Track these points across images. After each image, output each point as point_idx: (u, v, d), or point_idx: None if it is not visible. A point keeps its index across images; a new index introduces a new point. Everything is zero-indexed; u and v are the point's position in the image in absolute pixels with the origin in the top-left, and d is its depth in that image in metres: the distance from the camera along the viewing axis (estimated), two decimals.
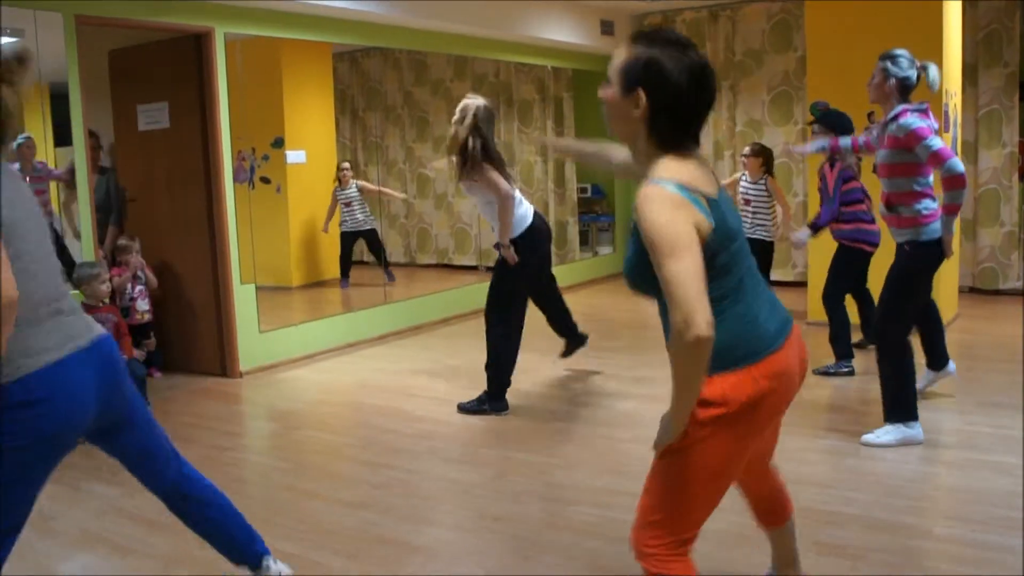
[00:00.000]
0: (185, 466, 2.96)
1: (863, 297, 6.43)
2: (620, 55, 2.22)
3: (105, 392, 2.58)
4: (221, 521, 2.99)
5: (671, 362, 2.11)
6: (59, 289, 2.56)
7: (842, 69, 7.15)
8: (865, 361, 6.36)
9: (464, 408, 5.52)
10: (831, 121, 5.97)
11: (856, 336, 6.55)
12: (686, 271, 2.01)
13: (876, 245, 6.02)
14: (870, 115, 6.98)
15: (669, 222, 2.04)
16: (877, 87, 4.61)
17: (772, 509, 2.81)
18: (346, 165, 9.75)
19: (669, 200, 2.07)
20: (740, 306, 2.24)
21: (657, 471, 2.32)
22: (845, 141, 5.45)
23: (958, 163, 4.38)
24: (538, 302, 6.09)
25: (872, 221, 6.00)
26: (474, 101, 5.46)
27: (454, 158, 5.51)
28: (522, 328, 5.60)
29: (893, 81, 4.54)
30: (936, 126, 4.55)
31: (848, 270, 6.09)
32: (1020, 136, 8.68)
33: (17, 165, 5.93)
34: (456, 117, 5.49)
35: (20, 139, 5.90)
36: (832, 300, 6.06)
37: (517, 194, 5.48)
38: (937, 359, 5.29)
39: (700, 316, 1.98)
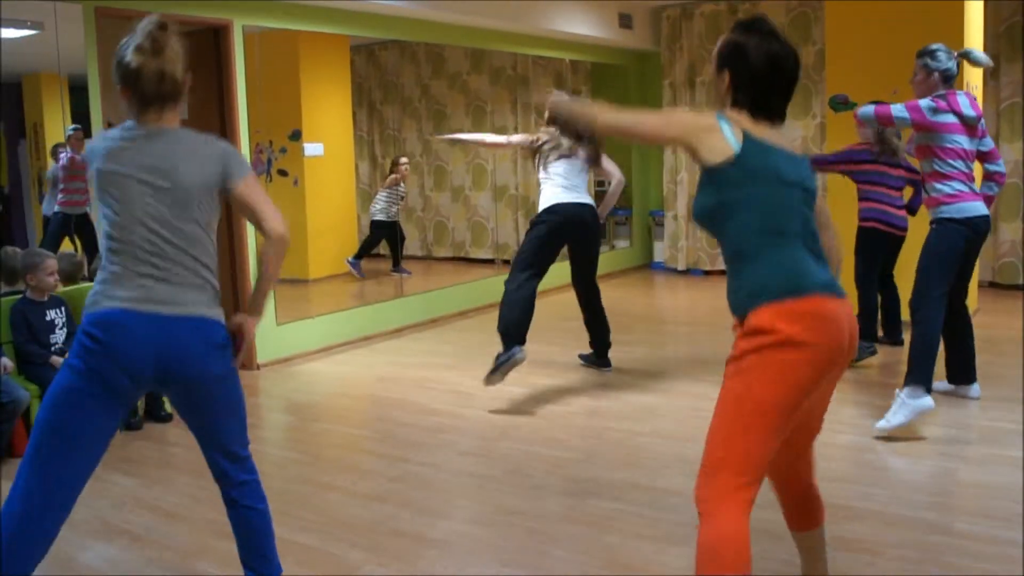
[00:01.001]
0: (236, 467, 2.90)
1: (888, 290, 6.39)
2: (721, 39, 2.57)
3: (164, 363, 2.59)
4: (253, 527, 2.96)
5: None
6: (170, 257, 2.62)
7: (861, 64, 7.11)
8: (884, 356, 6.34)
9: (490, 375, 5.46)
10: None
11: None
12: (647, 115, 2.57)
13: (899, 228, 6.08)
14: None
15: (682, 112, 2.40)
16: (921, 83, 4.81)
17: (806, 511, 2.79)
18: (404, 160, 9.88)
19: (704, 114, 2.47)
20: (789, 250, 2.41)
21: (716, 414, 2.41)
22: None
23: (869, 109, 4.81)
24: (581, 304, 6.19)
25: (895, 206, 6.06)
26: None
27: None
28: (536, 285, 5.67)
29: (936, 75, 4.75)
30: (971, 112, 4.71)
31: (874, 252, 6.12)
32: None
33: (69, 152, 6.00)
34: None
35: (70, 130, 5.96)
36: (861, 280, 6.13)
37: (559, 180, 5.83)
38: (959, 373, 5.24)
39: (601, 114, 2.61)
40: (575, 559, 3.47)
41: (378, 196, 9.94)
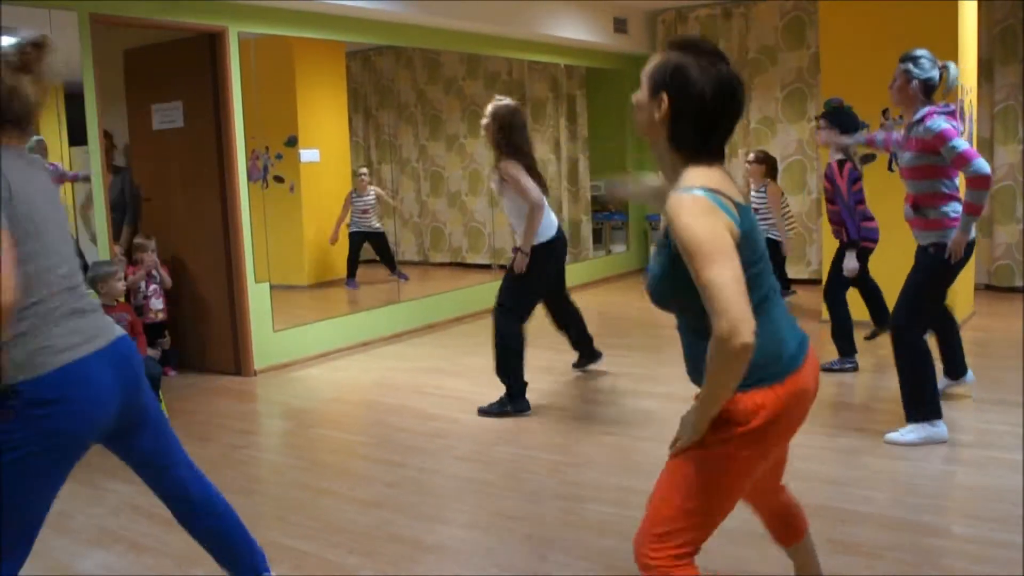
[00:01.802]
0: (194, 474, 2.87)
1: (867, 287, 6.37)
2: (653, 60, 2.23)
3: (124, 393, 2.54)
4: (224, 533, 2.91)
5: (708, 368, 2.08)
6: (79, 288, 2.53)
7: (856, 67, 7.12)
8: (870, 358, 6.35)
9: (485, 411, 5.49)
10: (839, 119, 5.94)
11: (863, 329, 6.54)
12: (728, 277, 1.99)
13: (876, 242, 6.03)
14: (884, 112, 6.97)
15: (707, 228, 2.02)
16: (900, 90, 4.56)
17: (787, 525, 2.77)
18: (364, 171, 9.78)
19: (702, 206, 2.07)
20: (766, 324, 2.19)
21: (667, 485, 2.29)
22: (879, 135, 5.40)
23: (984, 164, 4.29)
24: (556, 319, 6.14)
25: (872, 219, 6.00)
26: (498, 102, 5.46)
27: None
28: (524, 328, 5.55)
29: (916, 83, 4.50)
30: (961, 128, 4.53)
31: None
32: None
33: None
34: (483, 121, 5.49)
35: (32, 141, 5.93)
36: (833, 297, 6.04)
37: (545, 205, 5.48)
38: (955, 367, 5.25)
39: (746, 323, 1.96)
40: (573, 564, 3.46)
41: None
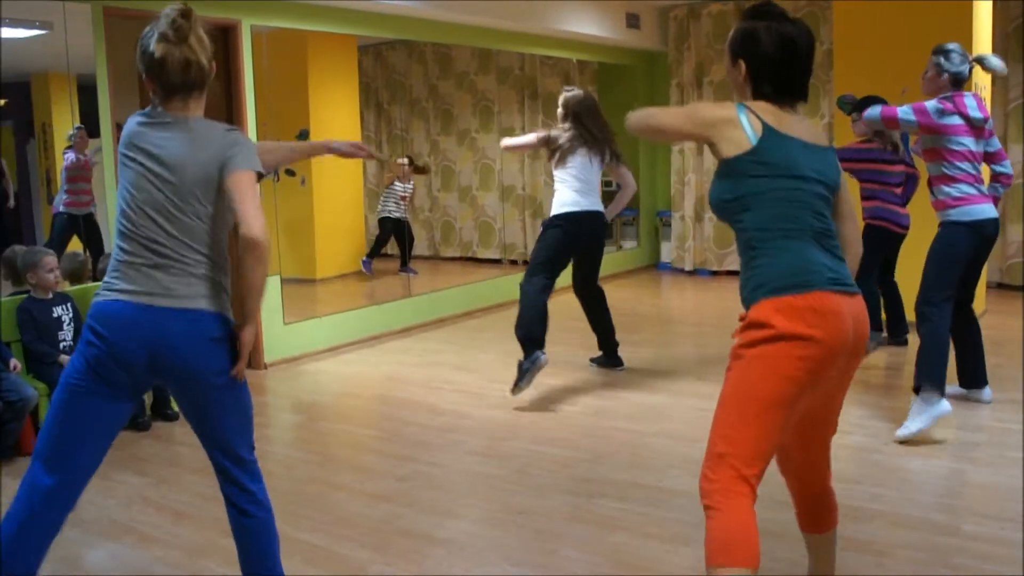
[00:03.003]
0: (237, 470, 2.80)
1: (889, 290, 6.42)
2: (732, 30, 2.57)
3: (156, 355, 2.57)
4: (254, 534, 2.84)
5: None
6: (171, 247, 2.59)
7: (869, 63, 7.09)
8: (889, 356, 6.33)
9: (516, 386, 5.44)
10: (866, 105, 5.94)
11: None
12: (672, 113, 2.73)
13: (904, 228, 6.13)
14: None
15: (702, 104, 2.43)
16: (930, 81, 4.77)
17: (820, 513, 2.78)
18: (404, 160, 9.95)
19: (724, 106, 2.47)
20: (791, 247, 2.42)
21: (720, 405, 2.43)
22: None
23: (876, 111, 4.79)
24: (585, 309, 6.20)
25: (902, 205, 6.11)
26: (565, 92, 5.94)
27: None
28: (551, 291, 5.71)
29: (946, 76, 4.70)
30: (978, 114, 4.66)
31: (873, 248, 6.02)
32: None
33: (74, 154, 6.02)
34: (559, 111, 5.94)
35: (74, 129, 5.97)
36: (862, 273, 6.03)
37: (574, 183, 5.80)
38: (973, 377, 5.19)
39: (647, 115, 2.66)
40: (583, 559, 3.46)
41: (381, 196, 10.02)
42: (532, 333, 5.50)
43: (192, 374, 2.62)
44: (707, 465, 2.39)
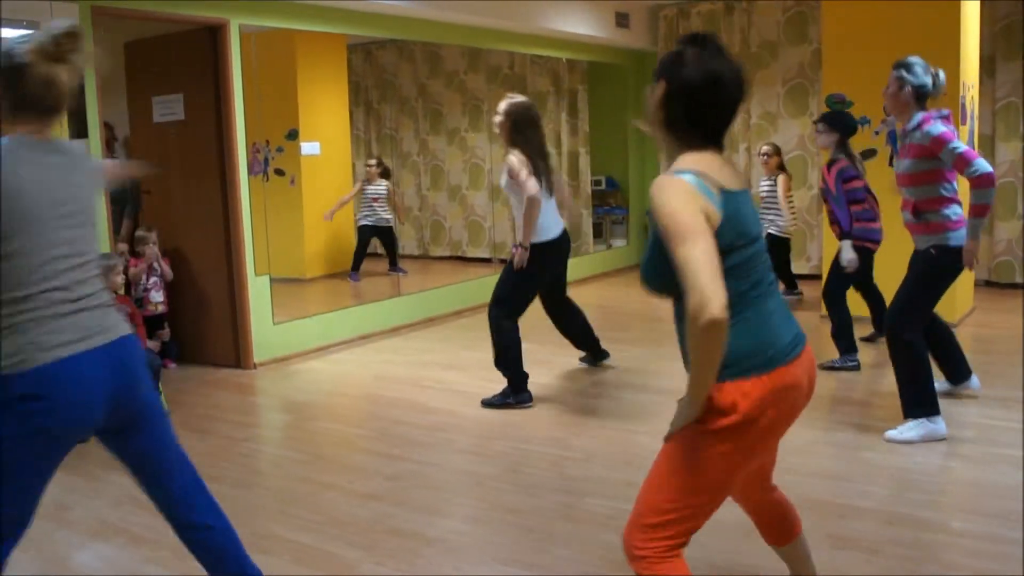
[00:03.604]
0: (188, 483, 2.73)
1: (870, 292, 6.44)
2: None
3: (116, 394, 2.48)
4: (215, 548, 2.77)
5: (688, 347, 2.12)
6: (88, 282, 2.49)
7: (858, 63, 7.12)
8: (871, 354, 6.35)
9: (489, 403, 5.49)
10: (834, 120, 6.03)
11: (865, 330, 6.58)
12: (699, 254, 2.05)
13: (879, 243, 6.03)
14: (886, 107, 6.95)
15: (681, 208, 2.09)
16: (893, 96, 4.60)
17: (778, 525, 2.76)
18: (373, 162, 9.84)
19: (681, 188, 2.14)
20: (755, 313, 2.26)
21: (658, 475, 2.32)
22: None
23: (985, 163, 4.32)
24: (556, 323, 6.10)
25: (874, 219, 6.00)
26: (511, 99, 5.50)
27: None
28: (516, 322, 5.54)
29: (909, 89, 4.53)
30: (956, 132, 4.54)
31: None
32: None
33: None
34: (496, 119, 5.51)
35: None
36: (833, 297, 6.03)
37: (552, 205, 5.49)
38: (958, 372, 5.20)
39: (714, 298, 1.99)
40: (574, 558, 3.46)
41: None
42: (520, 370, 5.49)
43: (143, 404, 2.56)
44: (635, 534, 2.31)
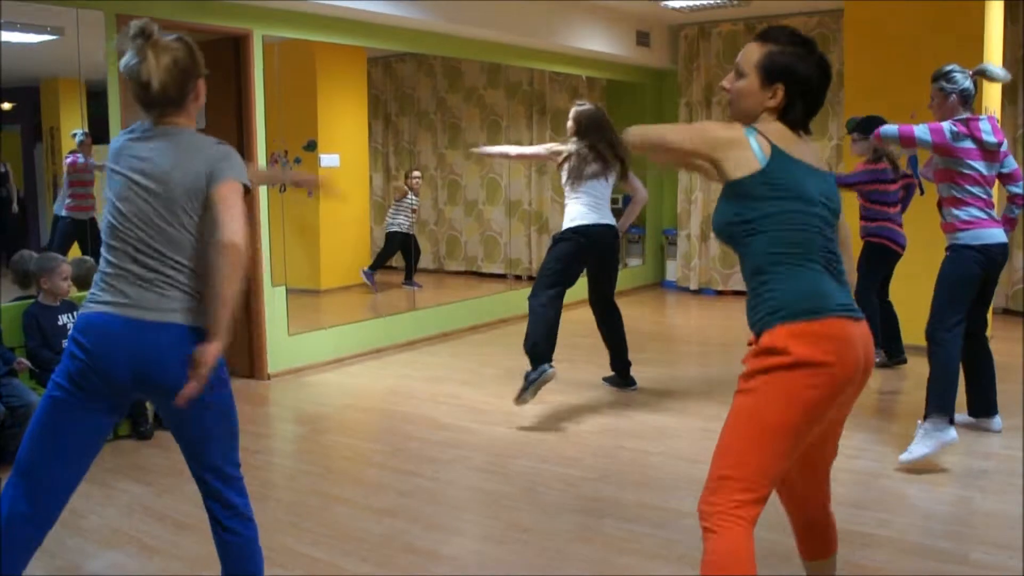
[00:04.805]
0: (222, 483, 2.76)
1: (885, 312, 6.44)
2: (755, 51, 2.48)
3: (140, 369, 2.53)
4: (234, 555, 2.79)
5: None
6: (163, 265, 2.55)
7: (879, 85, 7.09)
8: (890, 379, 6.30)
9: (521, 398, 5.43)
10: (869, 126, 5.97)
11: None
12: (676, 128, 2.55)
13: (903, 247, 6.18)
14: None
15: (710, 123, 2.41)
16: (938, 107, 4.74)
17: (820, 539, 2.75)
18: (417, 174, 10.02)
19: (733, 126, 2.46)
20: (809, 270, 2.39)
21: (727, 428, 2.40)
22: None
23: (893, 128, 4.73)
24: (599, 323, 6.17)
25: (901, 225, 6.18)
26: (575, 106, 5.90)
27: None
28: (561, 303, 5.67)
29: (954, 97, 4.66)
30: (992, 139, 4.63)
31: (872, 265, 6.17)
32: None
33: (81, 156, 6.01)
34: (569, 124, 5.90)
35: (80, 134, 5.96)
36: (863, 296, 6.05)
37: (586, 198, 5.78)
38: (983, 405, 5.13)
39: (632, 132, 2.55)
40: None
41: (390, 209, 10.01)
42: (539, 346, 5.47)
43: (177, 390, 2.52)
44: (708, 488, 2.37)
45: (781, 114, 2.47)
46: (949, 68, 4.69)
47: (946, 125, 4.62)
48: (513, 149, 6.76)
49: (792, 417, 2.32)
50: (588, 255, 5.81)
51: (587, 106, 5.89)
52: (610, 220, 5.84)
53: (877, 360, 6.48)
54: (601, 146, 5.77)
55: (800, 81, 2.43)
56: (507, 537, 3.84)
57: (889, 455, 4.74)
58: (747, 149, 2.38)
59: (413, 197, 9.92)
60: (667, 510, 4.08)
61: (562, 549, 3.70)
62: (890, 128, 4.79)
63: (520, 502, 4.24)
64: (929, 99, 4.81)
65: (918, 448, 4.54)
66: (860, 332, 2.40)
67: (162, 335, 2.54)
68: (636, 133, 2.57)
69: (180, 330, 2.56)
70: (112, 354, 2.52)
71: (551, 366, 5.44)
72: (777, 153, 2.39)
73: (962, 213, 4.66)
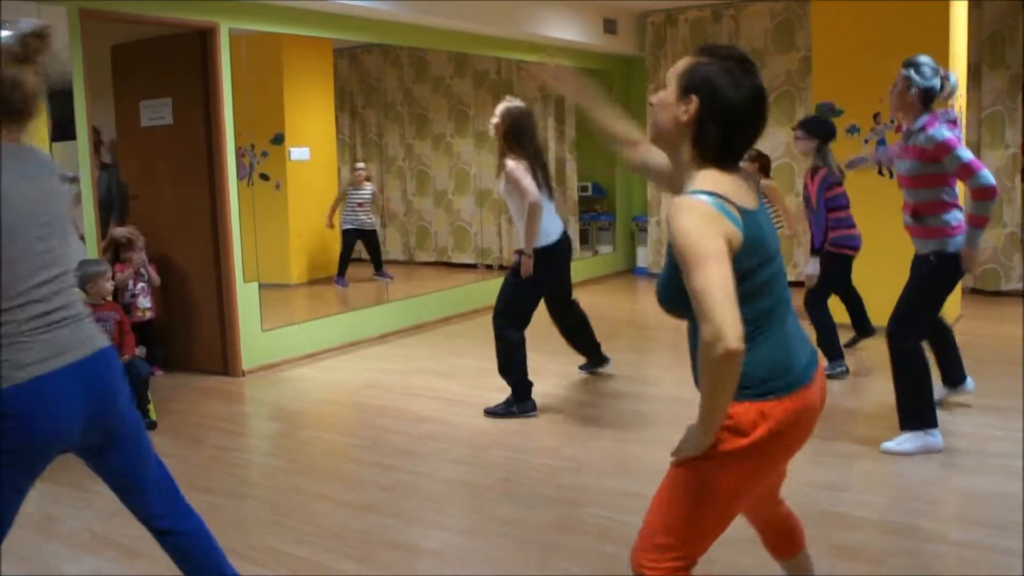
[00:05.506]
0: (165, 494, 2.70)
1: (851, 298, 6.46)
2: (684, 62, 2.22)
3: (92, 410, 2.42)
4: (192, 555, 2.77)
5: (701, 376, 2.07)
6: (63, 294, 2.41)
7: (847, 70, 7.14)
8: (856, 361, 6.34)
9: (492, 412, 5.44)
10: (813, 125, 6.00)
11: (844, 334, 6.52)
12: (715, 282, 1.97)
13: (858, 249, 6.04)
14: (876, 116, 6.97)
15: (699, 233, 2.01)
16: (899, 96, 4.51)
17: (784, 538, 2.74)
18: (361, 166, 9.83)
19: (701, 211, 2.05)
20: (775, 334, 2.20)
21: (668, 494, 2.26)
22: (881, 153, 5.36)
23: (989, 175, 4.27)
24: (561, 327, 6.04)
25: (853, 226, 6.00)
26: (507, 104, 5.44)
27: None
28: (522, 330, 5.50)
29: (915, 91, 4.44)
30: (961, 135, 4.45)
31: (832, 275, 6.04)
32: (1022, 137, 8.66)
33: None
34: (493, 121, 5.45)
35: None
36: (815, 305, 6.03)
37: (551, 209, 5.44)
38: (953, 376, 5.20)
39: (730, 329, 1.93)
40: (573, 570, 3.43)
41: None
42: (524, 379, 5.45)
43: (120, 417, 2.49)
44: (645, 547, 2.27)
45: (694, 135, 2.17)
46: (923, 60, 4.46)
47: (953, 135, 4.36)
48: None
49: (748, 490, 2.26)
50: (554, 275, 5.59)
51: (519, 104, 5.51)
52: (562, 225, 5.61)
53: (847, 341, 6.50)
54: (535, 147, 5.51)
55: (717, 97, 2.13)
56: (489, 529, 3.84)
57: (864, 438, 4.78)
58: (728, 225, 2.07)
59: (353, 191, 9.65)
60: (647, 497, 4.05)
61: (544, 540, 3.71)
62: (986, 207, 4.34)
63: (500, 494, 4.24)
64: (891, 86, 4.59)
65: (904, 444, 4.56)
66: (818, 384, 2.29)
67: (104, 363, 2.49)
68: (712, 359, 1.99)
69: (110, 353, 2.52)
70: (68, 411, 2.39)
71: (535, 410, 5.45)
72: (745, 214, 2.12)
73: (950, 218, 4.47)
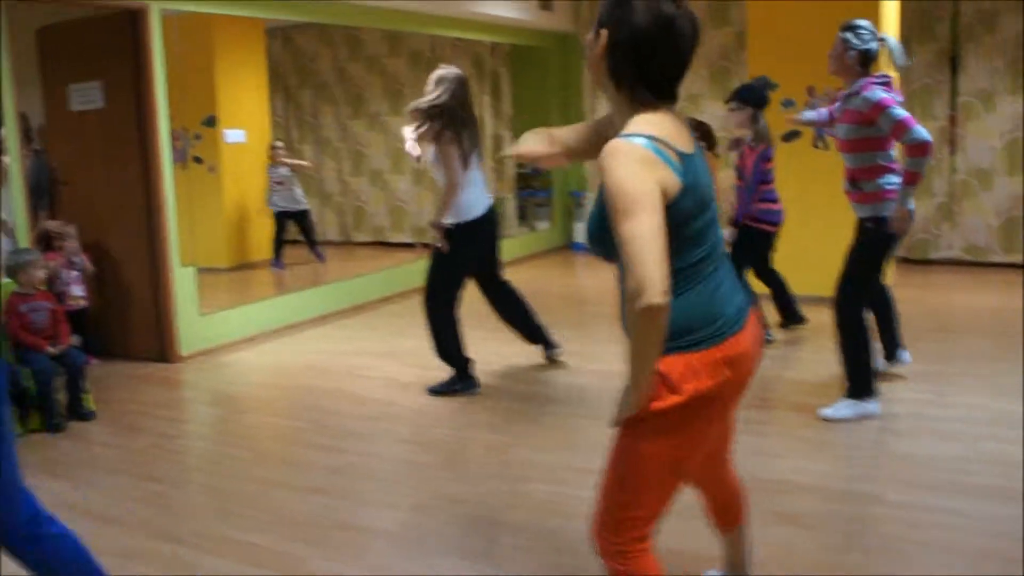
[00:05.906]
0: (33, 511, 2.71)
1: (770, 278, 6.33)
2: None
3: None
4: (53, 563, 2.76)
5: (628, 330, 2.05)
6: None
7: (783, 46, 7.22)
8: (803, 334, 6.44)
9: (435, 391, 5.43)
10: (747, 93, 5.86)
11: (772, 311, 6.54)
12: (643, 232, 1.92)
13: (778, 225, 5.97)
14: (810, 89, 7.08)
15: (632, 178, 1.96)
16: (837, 58, 4.52)
17: (726, 509, 2.77)
18: (278, 143, 9.68)
19: (636, 155, 2.00)
20: (707, 283, 2.15)
21: (616, 467, 2.24)
22: (822, 112, 5.27)
23: (923, 131, 4.29)
24: (497, 308, 5.89)
25: (776, 200, 5.93)
26: (444, 69, 5.29)
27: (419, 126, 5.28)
28: (457, 306, 5.45)
29: (854, 53, 4.45)
30: (900, 99, 4.48)
31: (748, 250, 5.97)
32: (950, 110, 8.85)
33: None
34: (428, 88, 5.26)
35: None
36: (762, 271, 6.08)
37: (479, 180, 5.34)
38: (890, 349, 5.29)
39: (654, 282, 1.90)
40: (522, 545, 3.47)
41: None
42: (462, 357, 5.45)
43: None
44: (604, 524, 2.27)
45: (608, 70, 2.13)
46: (860, 23, 4.48)
47: (889, 95, 4.39)
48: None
49: (690, 450, 2.24)
50: (481, 248, 5.53)
51: (455, 70, 5.35)
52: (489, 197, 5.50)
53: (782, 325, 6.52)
54: (471, 114, 5.40)
55: (621, 26, 2.06)
56: (438, 508, 3.85)
57: (801, 406, 4.88)
58: (665, 170, 2.02)
59: (279, 170, 9.51)
60: (593, 472, 4.12)
61: (492, 516, 3.74)
62: (920, 163, 4.35)
63: (447, 472, 4.26)
64: (830, 50, 4.57)
65: (841, 411, 4.66)
66: (751, 331, 2.26)
67: None
68: (639, 311, 1.95)
69: None
70: None
71: (478, 386, 5.46)
72: (684, 158, 2.07)
73: (884, 182, 4.52)
